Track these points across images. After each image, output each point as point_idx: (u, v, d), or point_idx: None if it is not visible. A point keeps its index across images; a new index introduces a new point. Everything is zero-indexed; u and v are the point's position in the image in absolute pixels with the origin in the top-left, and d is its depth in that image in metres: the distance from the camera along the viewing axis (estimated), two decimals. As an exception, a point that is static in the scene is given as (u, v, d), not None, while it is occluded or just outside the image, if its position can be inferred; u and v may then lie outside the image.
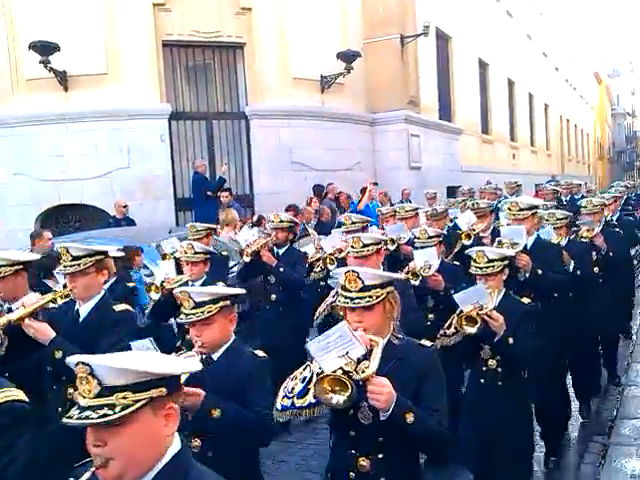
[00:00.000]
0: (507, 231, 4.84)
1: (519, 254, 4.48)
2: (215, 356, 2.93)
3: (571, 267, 5.19)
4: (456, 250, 5.86)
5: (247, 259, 5.75)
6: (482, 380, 3.72)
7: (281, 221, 6.02)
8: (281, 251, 6.02)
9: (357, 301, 2.55)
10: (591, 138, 43.53)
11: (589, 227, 5.95)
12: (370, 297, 2.55)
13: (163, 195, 10.97)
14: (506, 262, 3.84)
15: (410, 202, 12.47)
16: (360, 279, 2.56)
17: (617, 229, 6.75)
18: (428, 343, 2.70)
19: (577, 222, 6.30)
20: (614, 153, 60.38)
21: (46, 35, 10.01)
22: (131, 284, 5.60)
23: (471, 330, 3.45)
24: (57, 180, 10.54)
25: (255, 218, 9.75)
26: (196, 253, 5.17)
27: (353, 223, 6.21)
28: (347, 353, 2.34)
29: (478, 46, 19.46)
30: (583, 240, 5.78)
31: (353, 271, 2.60)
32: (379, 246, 4.50)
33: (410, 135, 14.09)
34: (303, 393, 2.48)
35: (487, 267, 3.76)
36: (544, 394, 4.65)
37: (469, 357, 3.83)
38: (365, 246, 4.40)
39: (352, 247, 4.46)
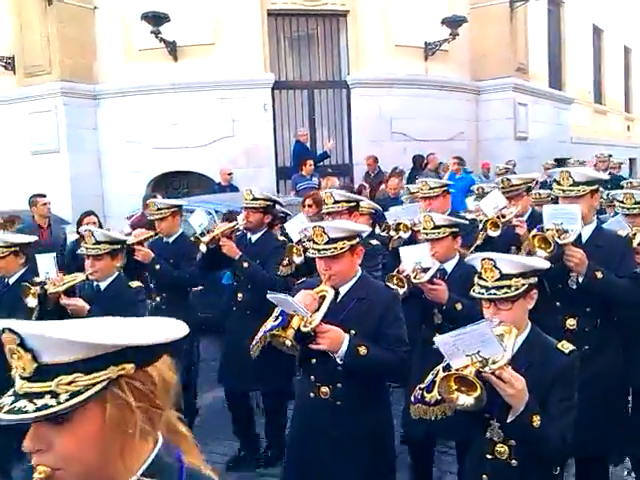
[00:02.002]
0: (553, 212, 3.35)
1: (569, 248, 3.16)
2: None
3: None
4: (478, 244, 4.35)
5: (203, 249, 4.48)
6: (484, 477, 2.40)
7: (254, 199, 4.51)
8: (254, 238, 4.62)
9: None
10: None
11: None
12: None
13: (265, 163, 11.16)
14: (532, 280, 2.39)
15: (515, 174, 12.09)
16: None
17: None
18: None
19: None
20: None
21: (157, 6, 10.33)
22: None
23: (467, 401, 2.12)
24: (166, 148, 10.94)
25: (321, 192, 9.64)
26: (98, 243, 3.82)
27: (336, 203, 4.52)
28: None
29: (592, 11, 18.27)
30: None
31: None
32: (353, 242, 2.97)
33: (517, 104, 13.51)
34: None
35: (498, 288, 2.34)
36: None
37: (465, 426, 2.51)
38: (332, 241, 2.91)
39: (314, 242, 3.00)
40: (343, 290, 2.96)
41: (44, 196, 7.57)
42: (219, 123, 10.97)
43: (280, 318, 2.77)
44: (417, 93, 12.03)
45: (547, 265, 2.55)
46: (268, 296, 2.77)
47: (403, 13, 11.76)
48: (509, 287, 2.33)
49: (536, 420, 2.19)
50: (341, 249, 2.89)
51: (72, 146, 11.00)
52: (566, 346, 2.37)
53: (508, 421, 2.23)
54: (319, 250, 2.93)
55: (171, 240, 5.01)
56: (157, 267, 4.71)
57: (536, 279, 2.42)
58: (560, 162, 11.77)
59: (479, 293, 2.41)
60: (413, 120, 11.87)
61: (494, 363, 2.12)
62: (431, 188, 5.03)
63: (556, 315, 2.99)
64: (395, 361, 2.87)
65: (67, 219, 8.94)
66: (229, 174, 10.23)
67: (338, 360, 2.79)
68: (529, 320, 2.45)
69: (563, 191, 3.38)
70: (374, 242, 4.73)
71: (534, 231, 3.40)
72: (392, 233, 4.98)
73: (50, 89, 10.87)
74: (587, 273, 3.19)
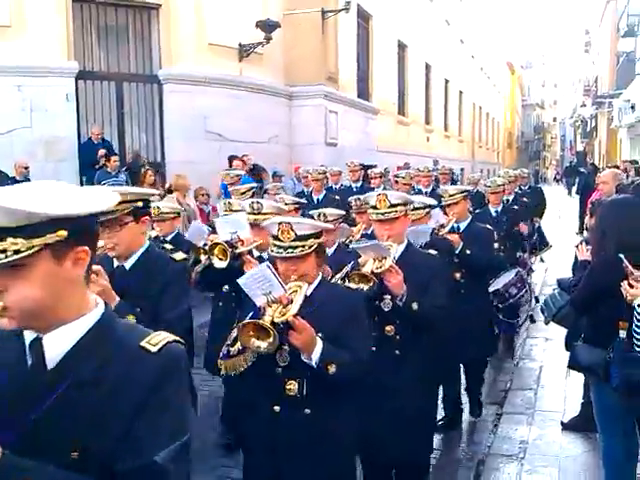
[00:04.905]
0: None
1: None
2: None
3: None
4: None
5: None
6: (276, 408, 2.71)
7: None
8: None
9: None
10: (502, 126, 45.22)
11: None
12: None
13: (67, 157, 10.42)
14: None
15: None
16: None
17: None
18: None
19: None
20: (522, 142, 63.14)
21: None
22: None
23: (262, 345, 2.46)
24: (-50, 136, 9.81)
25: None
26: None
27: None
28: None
29: (398, 27, 19.62)
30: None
31: None
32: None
33: (328, 111, 14.07)
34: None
35: None
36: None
37: None
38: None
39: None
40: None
41: None
42: (14, 112, 10.06)
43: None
44: (231, 93, 12.03)
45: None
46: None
47: (218, 12, 11.69)
48: None
49: (331, 368, 2.48)
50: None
51: None
52: None
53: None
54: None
55: None
56: None
57: None
58: (366, 168, 12.39)
59: None
60: (228, 120, 11.84)
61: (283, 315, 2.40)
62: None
63: None
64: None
65: None
66: (25, 168, 9.43)
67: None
68: None
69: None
70: None
71: None
72: None
73: None
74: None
